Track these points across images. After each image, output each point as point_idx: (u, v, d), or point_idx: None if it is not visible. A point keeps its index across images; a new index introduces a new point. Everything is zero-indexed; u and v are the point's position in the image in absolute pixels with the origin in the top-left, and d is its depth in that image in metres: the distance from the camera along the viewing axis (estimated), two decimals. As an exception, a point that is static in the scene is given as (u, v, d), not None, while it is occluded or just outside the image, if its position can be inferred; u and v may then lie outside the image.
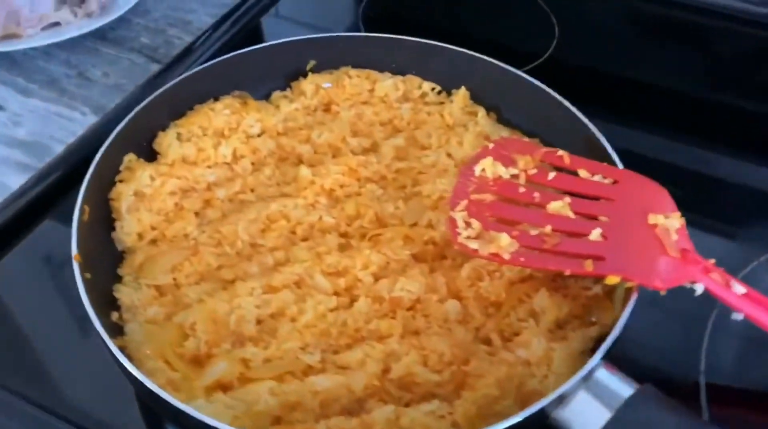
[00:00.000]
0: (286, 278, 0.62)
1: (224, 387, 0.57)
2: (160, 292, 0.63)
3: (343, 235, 0.67)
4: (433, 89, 0.80)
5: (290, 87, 0.81)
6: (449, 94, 0.80)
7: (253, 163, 0.73)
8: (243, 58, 0.78)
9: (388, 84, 0.80)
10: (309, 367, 0.58)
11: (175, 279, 0.64)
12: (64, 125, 0.84)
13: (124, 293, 0.62)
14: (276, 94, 0.80)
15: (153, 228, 0.67)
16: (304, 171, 0.70)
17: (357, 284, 0.62)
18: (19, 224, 0.73)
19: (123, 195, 0.67)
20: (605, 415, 0.49)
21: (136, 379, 0.52)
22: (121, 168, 0.69)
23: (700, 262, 0.57)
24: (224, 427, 0.49)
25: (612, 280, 0.57)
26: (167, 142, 0.72)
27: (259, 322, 0.60)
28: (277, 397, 0.55)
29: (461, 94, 0.78)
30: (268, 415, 0.55)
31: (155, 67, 0.90)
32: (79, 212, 0.62)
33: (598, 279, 0.60)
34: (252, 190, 0.71)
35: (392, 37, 0.81)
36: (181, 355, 0.58)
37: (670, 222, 0.59)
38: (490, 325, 0.61)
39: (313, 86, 0.79)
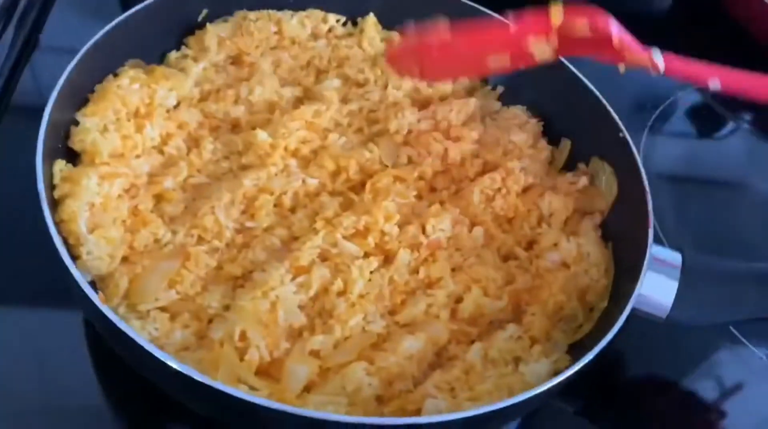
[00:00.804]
0: (310, 254, 0.57)
1: (307, 387, 0.52)
2: (171, 313, 0.54)
3: (333, 193, 0.63)
4: (338, 21, 0.75)
5: (185, 44, 0.70)
6: (354, 23, 0.76)
7: (184, 141, 0.63)
8: (128, 23, 0.64)
9: (294, 23, 0.73)
10: (379, 337, 0.55)
11: (178, 292, 0.55)
12: None
13: (136, 327, 0.52)
14: (173, 56, 0.69)
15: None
16: (262, 135, 0.63)
17: (385, 238, 0.59)
18: None
19: (77, 213, 0.54)
20: (674, 285, 0.56)
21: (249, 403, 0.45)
22: (56, 181, 0.56)
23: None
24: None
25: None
26: (90, 137, 0.59)
27: (301, 307, 0.55)
28: (377, 375, 0.52)
29: (370, 21, 0.75)
30: (372, 397, 0.52)
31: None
32: None
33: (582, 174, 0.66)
34: (199, 171, 0.62)
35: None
36: (249, 368, 0.51)
37: None
38: (510, 241, 0.63)
39: (216, 39, 0.70)
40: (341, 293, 0.56)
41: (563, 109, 0.70)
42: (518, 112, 0.72)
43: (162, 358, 0.45)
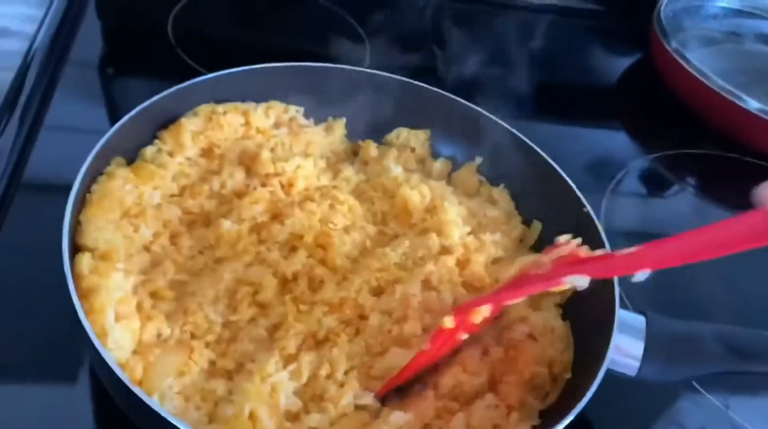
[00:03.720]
0: (296, 341, 0.60)
1: None
2: (184, 396, 0.56)
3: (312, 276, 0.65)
4: (297, 111, 0.79)
5: (158, 138, 0.72)
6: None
7: (168, 239, 0.66)
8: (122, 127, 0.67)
9: (259, 113, 0.77)
10: (370, 414, 0.58)
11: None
12: None
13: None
14: (149, 151, 0.71)
15: None
16: (226, 224, 0.66)
17: (360, 308, 0.63)
18: None
19: (106, 305, 0.56)
20: (640, 345, 0.61)
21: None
22: (85, 273, 0.58)
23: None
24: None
25: None
26: (104, 236, 0.61)
27: (295, 393, 0.58)
28: None
29: (341, 123, 0.81)
30: None
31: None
32: None
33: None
34: (180, 269, 0.64)
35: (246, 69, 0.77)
36: None
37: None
38: None
39: (190, 134, 0.72)
40: (329, 376, 0.59)
41: (533, 190, 0.76)
42: (496, 191, 0.78)
43: None
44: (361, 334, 0.62)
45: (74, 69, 0.89)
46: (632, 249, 0.54)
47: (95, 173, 0.65)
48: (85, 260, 0.59)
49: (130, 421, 0.55)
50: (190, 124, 0.74)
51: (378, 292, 0.65)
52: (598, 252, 0.60)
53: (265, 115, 0.78)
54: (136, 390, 0.50)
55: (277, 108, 0.79)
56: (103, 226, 0.62)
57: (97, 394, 0.61)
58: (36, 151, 0.77)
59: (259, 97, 0.79)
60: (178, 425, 0.48)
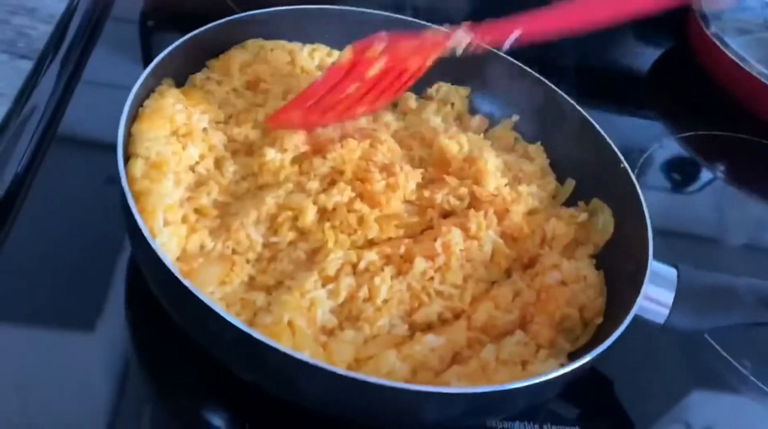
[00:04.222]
0: (335, 265, 0.61)
1: None
2: (225, 303, 0.58)
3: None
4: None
5: (207, 67, 0.75)
6: None
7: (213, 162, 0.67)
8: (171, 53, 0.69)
9: (305, 55, 0.79)
10: (401, 338, 0.59)
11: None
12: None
13: None
14: (198, 78, 0.73)
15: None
16: (270, 153, 0.67)
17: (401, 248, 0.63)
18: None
19: (157, 207, 0.59)
20: (670, 295, 0.62)
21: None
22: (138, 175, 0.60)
23: None
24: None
25: None
26: (156, 147, 0.63)
27: (331, 312, 0.59)
28: (406, 361, 0.57)
29: None
30: (402, 380, 0.56)
31: (26, 64, 0.76)
32: None
33: (582, 211, 0.72)
34: (224, 191, 0.65)
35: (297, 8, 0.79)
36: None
37: None
38: (514, 257, 0.67)
39: (238, 65, 0.75)
40: (367, 300, 0.60)
41: (568, 147, 0.77)
42: (532, 147, 0.79)
43: (238, 325, 0.49)
44: (404, 274, 0.62)
45: (115, 24, 0.90)
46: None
47: (148, 91, 0.67)
48: (138, 165, 0.60)
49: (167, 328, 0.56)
50: (238, 56, 0.75)
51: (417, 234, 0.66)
52: None
53: (309, 57, 0.80)
54: (186, 282, 0.51)
55: (321, 50, 0.81)
56: (154, 139, 0.63)
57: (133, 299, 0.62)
58: (72, 104, 0.78)
59: (305, 39, 0.80)
60: (226, 317, 0.49)
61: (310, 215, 0.64)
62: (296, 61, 0.78)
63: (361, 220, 0.64)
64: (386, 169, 0.68)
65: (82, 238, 0.65)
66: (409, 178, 0.68)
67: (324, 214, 0.65)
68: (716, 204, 0.99)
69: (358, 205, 0.65)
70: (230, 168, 0.67)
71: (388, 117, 0.77)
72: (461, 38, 0.67)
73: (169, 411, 0.59)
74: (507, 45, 0.65)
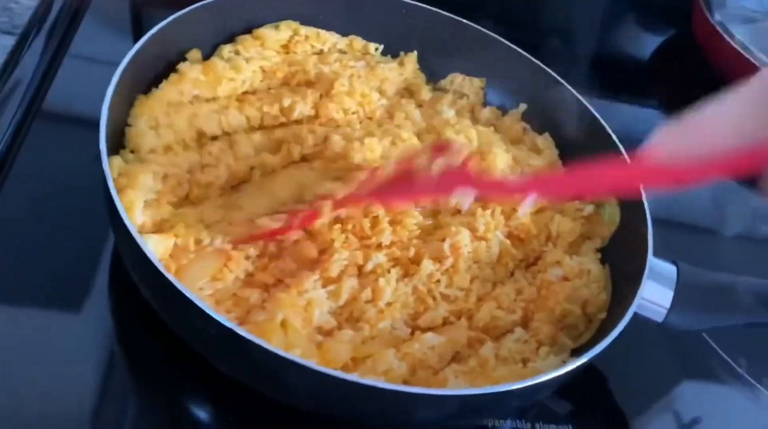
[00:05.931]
0: (339, 266, 0.60)
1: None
2: (215, 299, 0.57)
3: None
4: (376, 49, 0.81)
5: (236, 42, 0.75)
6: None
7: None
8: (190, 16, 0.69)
9: (341, 44, 0.80)
10: (402, 339, 0.58)
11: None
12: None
13: None
14: (226, 51, 0.73)
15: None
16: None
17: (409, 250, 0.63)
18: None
19: (134, 202, 0.57)
20: (669, 293, 0.61)
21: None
22: (114, 175, 0.58)
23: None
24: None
25: None
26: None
27: (330, 313, 0.58)
28: (404, 360, 0.56)
29: (412, 57, 0.82)
30: (400, 378, 0.55)
31: (9, 40, 0.73)
32: None
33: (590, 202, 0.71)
34: (233, 175, 0.66)
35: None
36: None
37: None
38: (519, 257, 0.67)
39: (269, 44, 0.75)
40: (370, 301, 0.59)
41: (576, 141, 0.76)
42: (540, 139, 0.78)
43: (223, 322, 0.48)
44: (410, 277, 0.61)
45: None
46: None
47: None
48: (115, 162, 0.60)
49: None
50: (271, 36, 0.75)
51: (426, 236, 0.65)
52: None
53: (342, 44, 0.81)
54: (171, 277, 0.49)
55: (357, 42, 0.81)
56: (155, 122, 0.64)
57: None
58: (58, 79, 0.76)
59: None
60: (207, 310, 0.48)
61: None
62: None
63: (375, 222, 0.63)
64: None
65: (66, 217, 0.64)
66: None
67: (337, 218, 0.63)
68: (715, 195, 0.98)
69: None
70: (243, 149, 0.66)
71: (415, 113, 0.77)
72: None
73: (149, 399, 0.58)
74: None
